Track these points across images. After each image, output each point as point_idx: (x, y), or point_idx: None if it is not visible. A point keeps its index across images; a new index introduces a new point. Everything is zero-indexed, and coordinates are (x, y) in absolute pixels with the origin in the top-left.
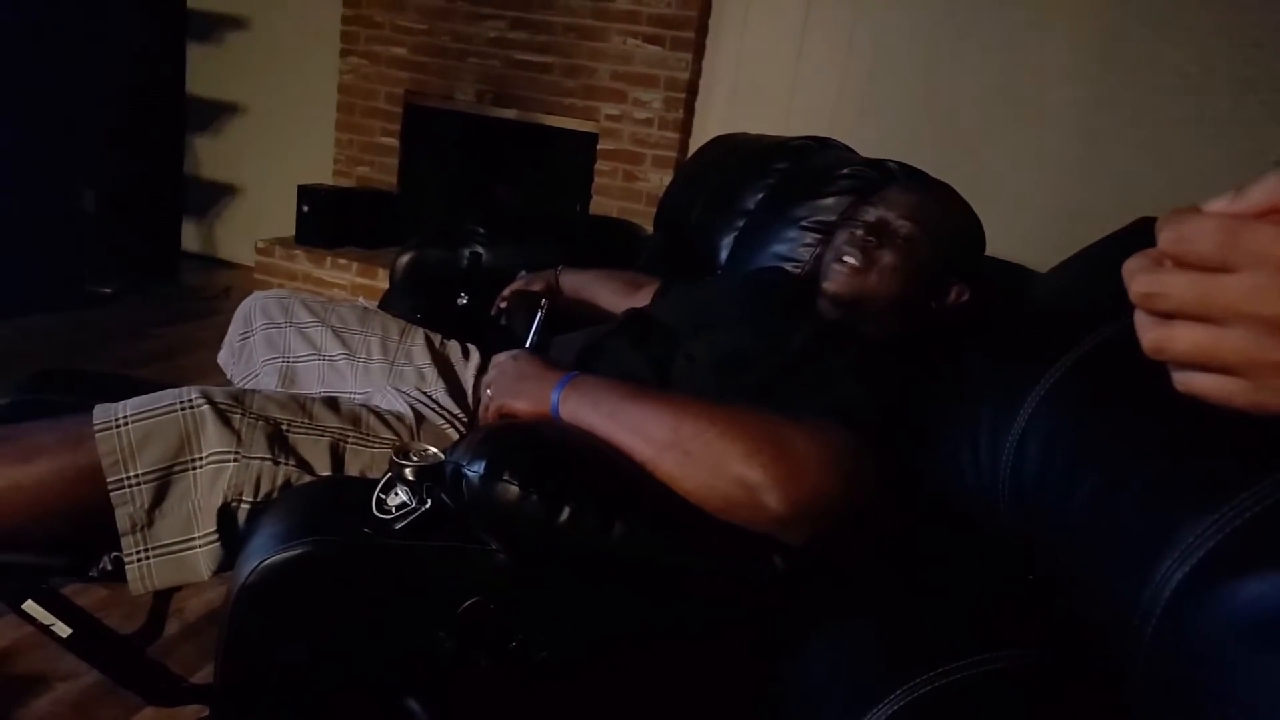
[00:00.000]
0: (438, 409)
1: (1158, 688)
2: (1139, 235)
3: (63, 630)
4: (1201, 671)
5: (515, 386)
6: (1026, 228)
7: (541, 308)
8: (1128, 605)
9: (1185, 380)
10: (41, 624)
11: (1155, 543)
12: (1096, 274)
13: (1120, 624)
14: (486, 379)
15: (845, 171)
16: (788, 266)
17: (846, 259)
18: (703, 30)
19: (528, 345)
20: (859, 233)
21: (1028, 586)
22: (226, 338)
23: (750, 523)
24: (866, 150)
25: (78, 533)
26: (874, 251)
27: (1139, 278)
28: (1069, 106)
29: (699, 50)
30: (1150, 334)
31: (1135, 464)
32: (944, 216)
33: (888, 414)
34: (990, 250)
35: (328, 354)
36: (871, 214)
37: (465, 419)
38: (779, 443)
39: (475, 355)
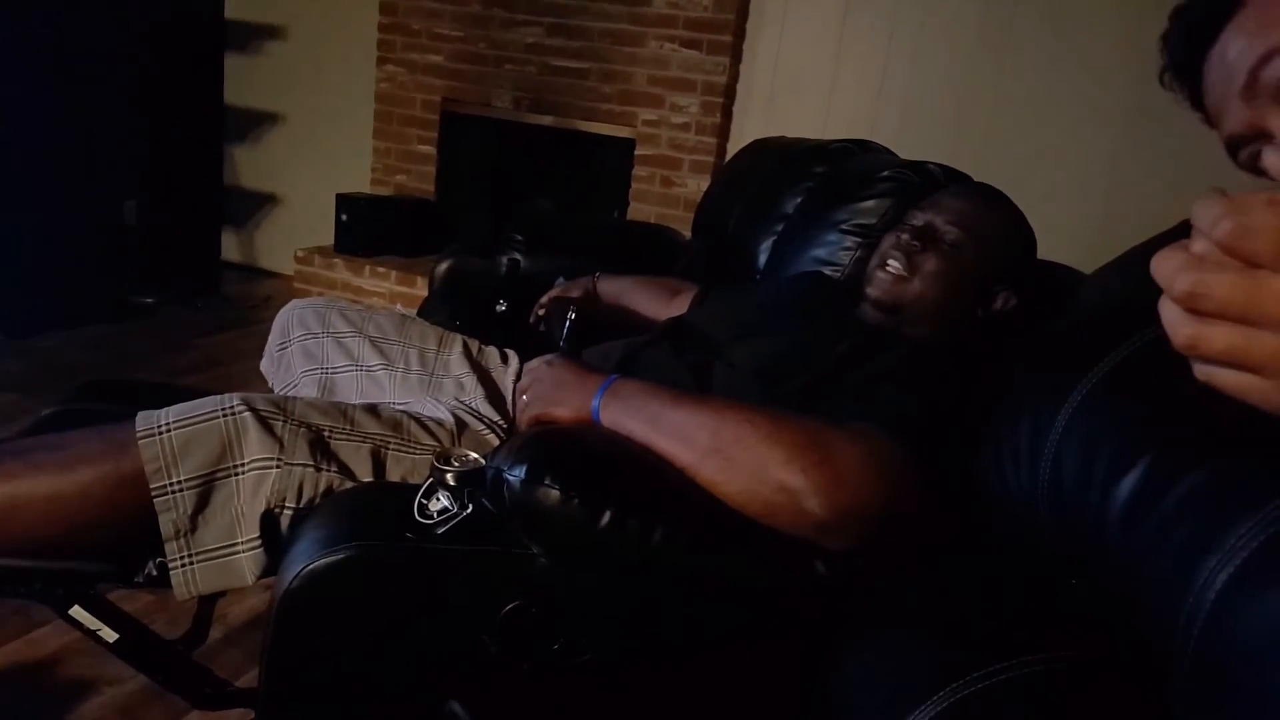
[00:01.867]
0: (478, 416)
1: (1203, 691)
2: (1184, 237)
3: (109, 635)
4: (1248, 674)
5: (554, 394)
6: (1066, 231)
7: (571, 315)
8: (1172, 608)
9: (1208, 373)
10: (88, 629)
11: (1198, 545)
12: (1139, 276)
13: (1164, 627)
14: (522, 384)
15: (886, 174)
16: (827, 271)
17: (890, 265)
18: (740, 34)
19: (560, 351)
20: (905, 237)
21: (1070, 590)
22: (267, 346)
23: (792, 528)
24: (907, 153)
25: (123, 539)
26: (918, 257)
27: (1182, 276)
28: (1110, 110)
29: (736, 54)
30: (1185, 330)
31: (1176, 466)
32: (994, 223)
33: (932, 419)
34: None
35: (365, 365)
36: (920, 219)
37: (505, 425)
38: (821, 448)
39: (514, 361)
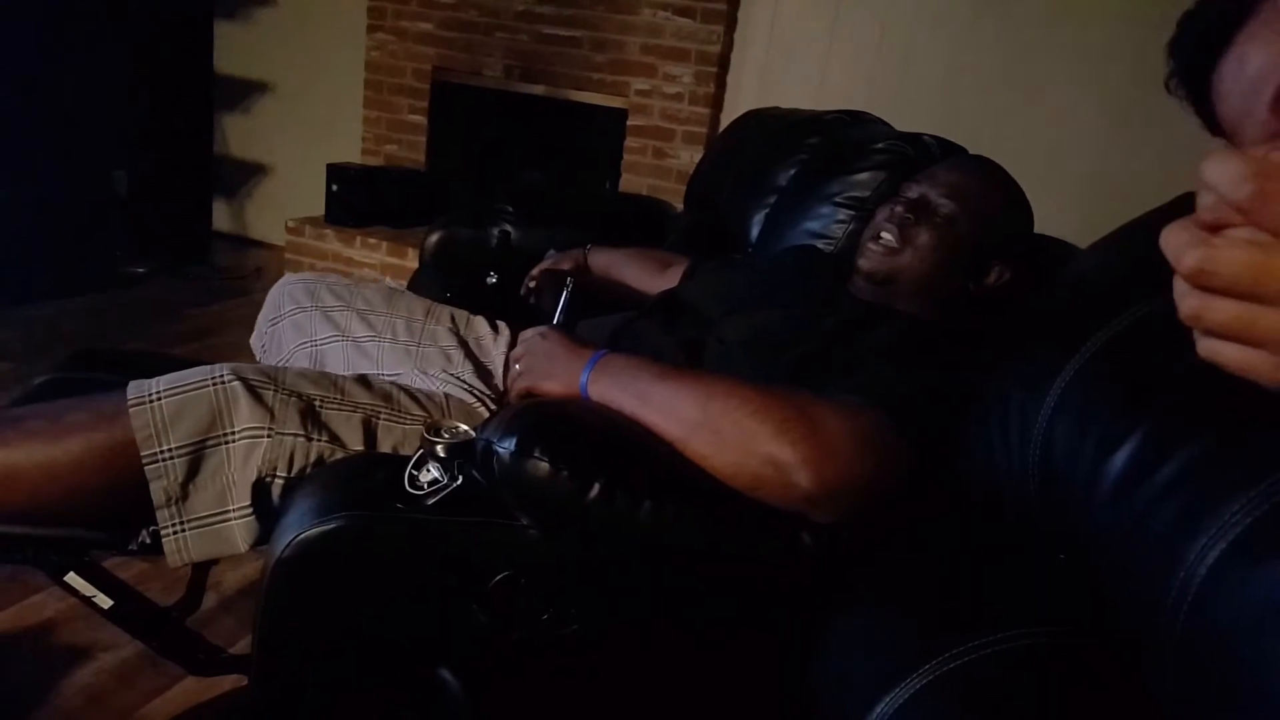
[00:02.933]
0: (466, 388)
1: (1192, 667)
2: (1181, 212)
3: (104, 602)
4: (1238, 651)
5: (544, 367)
6: (1061, 206)
7: (567, 286)
8: (1161, 584)
9: (1210, 347)
10: (83, 596)
11: (1189, 522)
12: (1134, 251)
13: (1153, 602)
14: (514, 354)
15: (880, 146)
16: (820, 244)
17: (883, 237)
18: (734, 2)
19: (554, 324)
20: (899, 209)
21: (1058, 565)
22: (258, 322)
23: (779, 501)
24: (902, 125)
25: (116, 507)
26: (911, 229)
27: (1190, 254)
28: (1107, 84)
29: (730, 23)
30: (1189, 301)
31: (1169, 442)
32: (989, 197)
33: (920, 393)
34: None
35: (352, 336)
36: (914, 191)
37: (494, 397)
38: (809, 421)
39: (505, 331)
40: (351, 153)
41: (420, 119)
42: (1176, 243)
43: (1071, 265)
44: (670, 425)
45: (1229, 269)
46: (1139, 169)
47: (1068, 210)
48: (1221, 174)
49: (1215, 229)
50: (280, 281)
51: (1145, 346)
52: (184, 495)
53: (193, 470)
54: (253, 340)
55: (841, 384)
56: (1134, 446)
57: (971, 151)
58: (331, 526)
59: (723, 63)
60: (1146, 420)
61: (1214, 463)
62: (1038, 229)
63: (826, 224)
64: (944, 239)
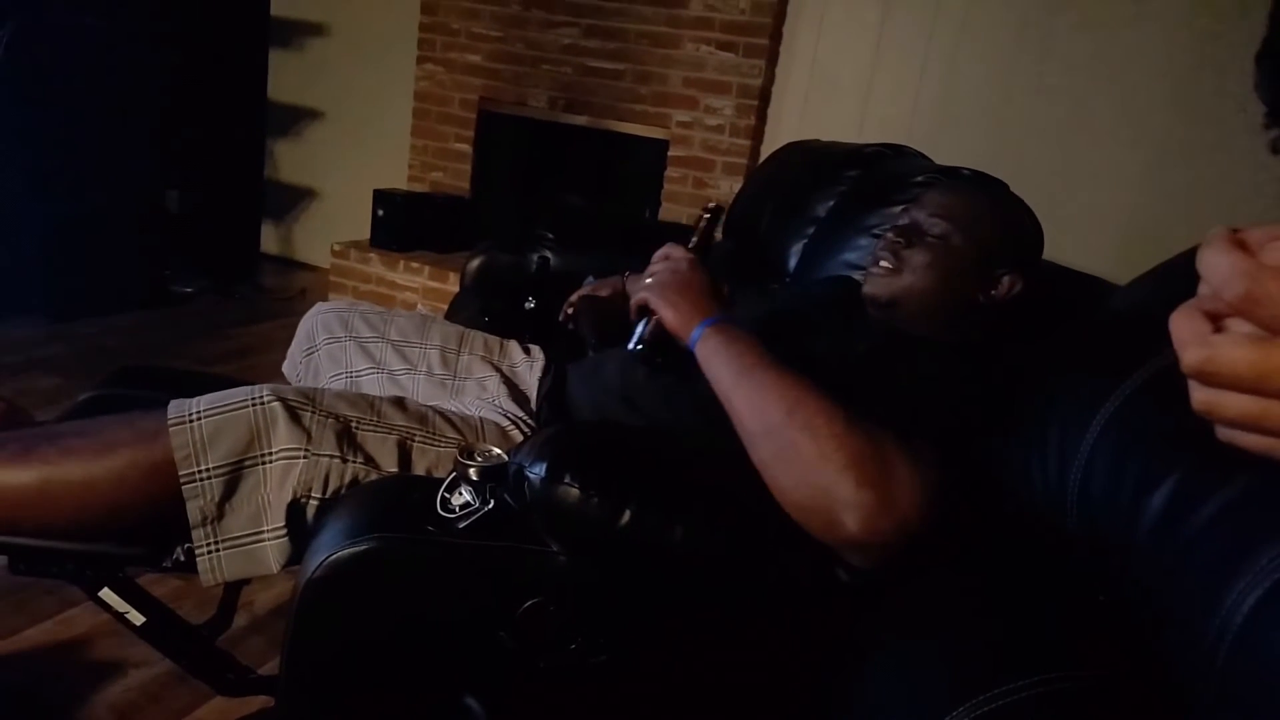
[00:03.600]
0: (502, 412)
1: (1229, 714)
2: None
3: (137, 618)
4: (1275, 699)
5: (673, 295)
6: (1108, 242)
7: (708, 214)
8: (1199, 628)
9: (1228, 435)
10: (117, 611)
11: (1227, 564)
12: (1175, 288)
13: (1191, 646)
14: (654, 263)
15: (919, 179)
16: (857, 275)
17: (880, 264)
18: (777, 37)
19: (689, 247)
20: (890, 236)
21: (1097, 607)
22: (290, 351)
23: (821, 534)
24: (942, 159)
25: (152, 524)
26: (905, 253)
27: (1191, 350)
28: (1153, 120)
29: (772, 57)
30: (1199, 395)
31: (1208, 484)
32: (982, 210)
33: (955, 422)
34: (1070, 264)
35: (389, 368)
36: (905, 218)
37: (529, 421)
38: (882, 466)
39: (539, 356)
40: (398, 179)
41: (466, 147)
42: (1180, 335)
43: (1112, 301)
44: (750, 417)
45: (1229, 368)
46: (1180, 205)
47: (1109, 244)
48: (1214, 271)
49: (1216, 317)
50: (312, 311)
51: (1185, 385)
52: (219, 515)
53: (229, 490)
54: (285, 368)
55: (902, 414)
56: (1172, 486)
57: (1012, 186)
58: (363, 548)
59: (764, 95)
60: (1185, 460)
61: (1252, 506)
62: (1078, 264)
63: (864, 255)
64: (939, 256)
